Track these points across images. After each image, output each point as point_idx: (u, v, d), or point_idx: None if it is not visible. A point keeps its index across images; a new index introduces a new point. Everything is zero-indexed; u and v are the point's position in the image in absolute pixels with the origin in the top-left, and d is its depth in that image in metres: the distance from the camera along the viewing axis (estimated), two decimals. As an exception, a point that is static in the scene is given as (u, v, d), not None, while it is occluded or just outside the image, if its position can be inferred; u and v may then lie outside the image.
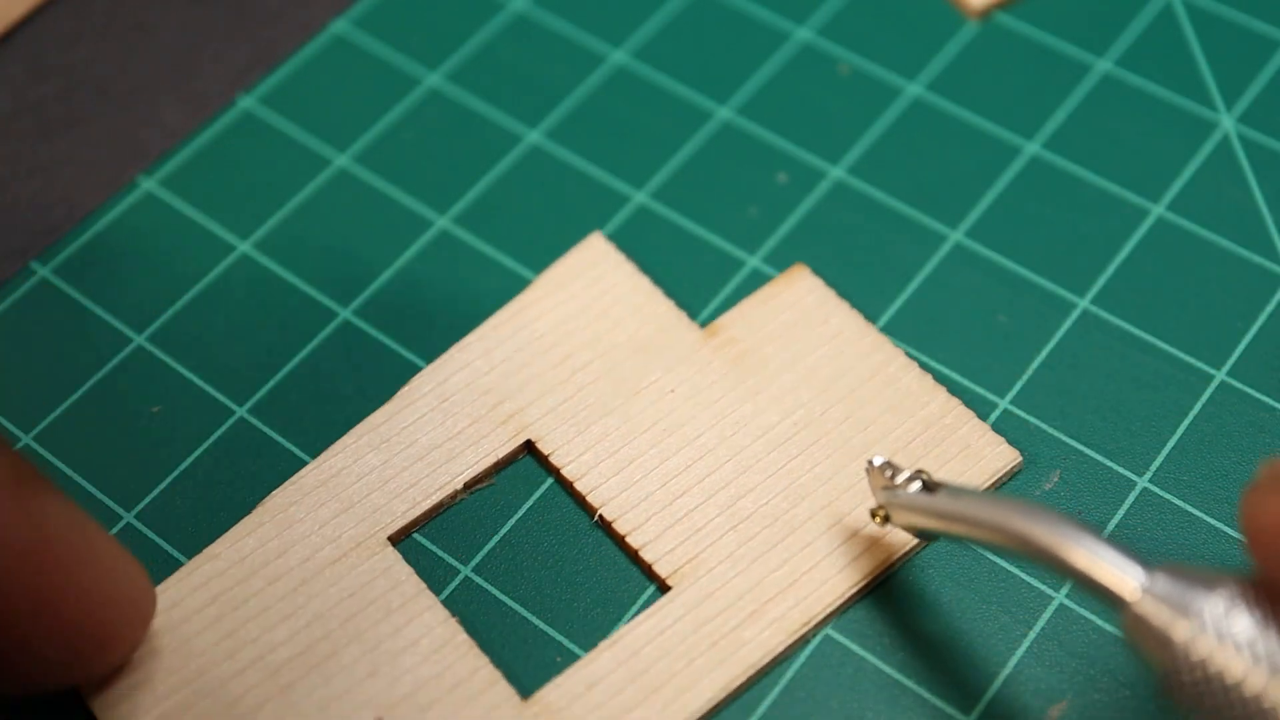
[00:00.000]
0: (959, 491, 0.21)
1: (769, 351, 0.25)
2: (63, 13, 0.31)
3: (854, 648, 0.23)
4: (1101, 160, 0.28)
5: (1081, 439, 0.25)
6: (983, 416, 0.25)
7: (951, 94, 0.29)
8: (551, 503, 0.25)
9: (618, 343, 0.26)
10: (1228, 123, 0.28)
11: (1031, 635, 0.23)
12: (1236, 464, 0.24)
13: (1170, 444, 0.25)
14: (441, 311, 0.27)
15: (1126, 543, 0.24)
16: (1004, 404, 0.25)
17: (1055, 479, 0.24)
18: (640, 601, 0.24)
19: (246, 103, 0.30)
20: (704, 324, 0.26)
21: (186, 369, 0.26)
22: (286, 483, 0.24)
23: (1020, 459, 0.24)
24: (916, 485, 0.22)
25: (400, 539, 0.24)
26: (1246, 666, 0.17)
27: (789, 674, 0.23)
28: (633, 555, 0.24)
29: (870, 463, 0.22)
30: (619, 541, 0.24)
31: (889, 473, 0.22)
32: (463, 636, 0.23)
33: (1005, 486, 0.24)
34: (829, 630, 0.23)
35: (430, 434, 0.25)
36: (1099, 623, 0.23)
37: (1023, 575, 0.24)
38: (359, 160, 0.29)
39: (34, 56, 0.30)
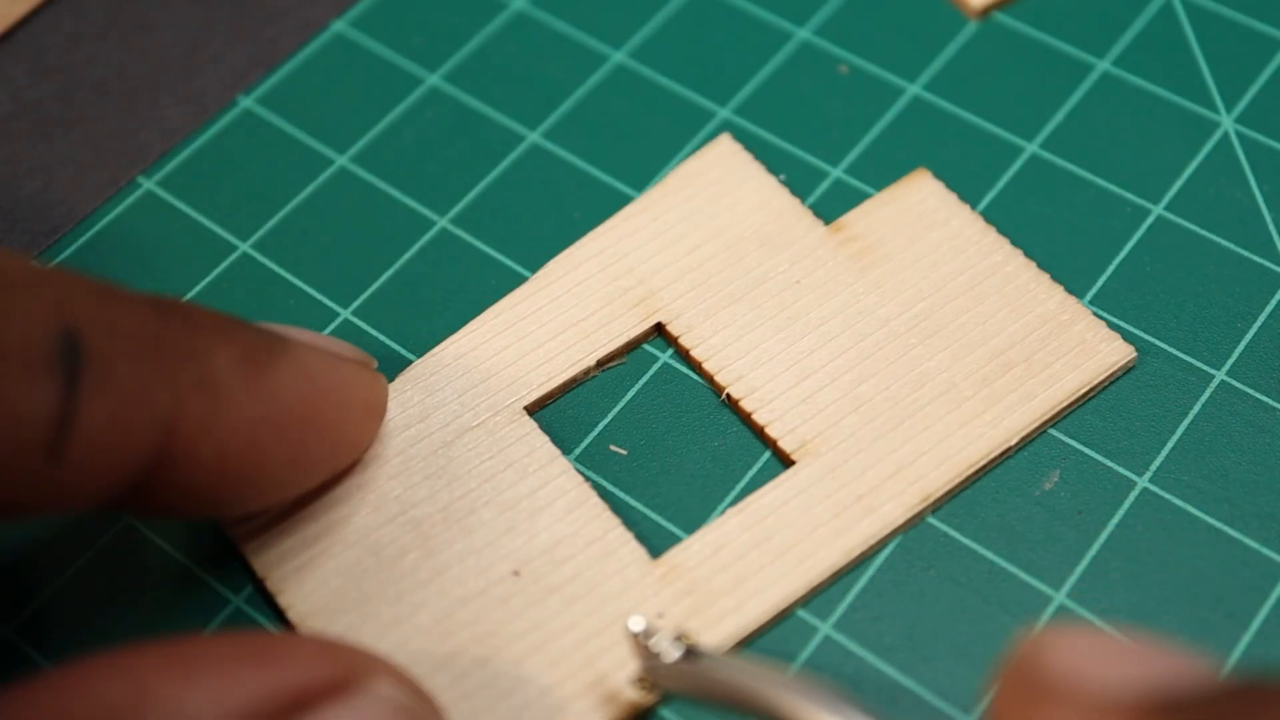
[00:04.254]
0: (724, 661, 0.21)
1: (890, 248, 0.26)
2: (63, 13, 0.31)
3: (854, 648, 0.23)
4: (1101, 160, 0.28)
5: (1081, 439, 0.25)
6: (983, 416, 0.25)
7: (951, 94, 0.29)
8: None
9: (745, 235, 0.27)
10: (1228, 123, 0.28)
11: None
12: (1236, 464, 0.25)
13: (1170, 444, 0.25)
14: (441, 312, 0.27)
15: (1124, 548, 0.24)
16: (1004, 404, 0.25)
17: (1055, 479, 0.25)
18: (766, 476, 0.24)
19: (246, 103, 0.30)
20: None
21: (186, 369, 0.26)
22: (427, 354, 0.25)
23: (1135, 354, 0.25)
24: (677, 652, 0.21)
25: (536, 410, 0.25)
26: None
27: (790, 672, 0.23)
28: (759, 432, 0.25)
29: (627, 628, 0.21)
30: (745, 419, 0.25)
31: (647, 639, 0.21)
32: (595, 499, 0.24)
33: (1120, 382, 0.25)
34: (829, 629, 0.23)
35: (564, 314, 0.26)
36: (1099, 623, 0.23)
37: (1023, 575, 0.24)
38: (359, 160, 0.29)
39: (34, 56, 0.30)
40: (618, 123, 0.29)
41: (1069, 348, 0.25)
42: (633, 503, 0.24)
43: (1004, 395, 0.25)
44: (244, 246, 0.28)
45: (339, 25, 0.31)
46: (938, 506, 0.24)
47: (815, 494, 0.24)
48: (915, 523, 0.24)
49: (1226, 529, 0.24)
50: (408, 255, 0.28)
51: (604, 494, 0.24)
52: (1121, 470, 0.25)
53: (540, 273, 0.26)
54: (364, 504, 0.24)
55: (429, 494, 0.24)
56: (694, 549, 0.23)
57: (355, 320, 0.27)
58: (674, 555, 0.23)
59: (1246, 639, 0.23)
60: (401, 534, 0.23)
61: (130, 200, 0.28)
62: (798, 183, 0.28)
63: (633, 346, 0.26)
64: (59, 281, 0.19)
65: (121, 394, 0.19)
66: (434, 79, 0.30)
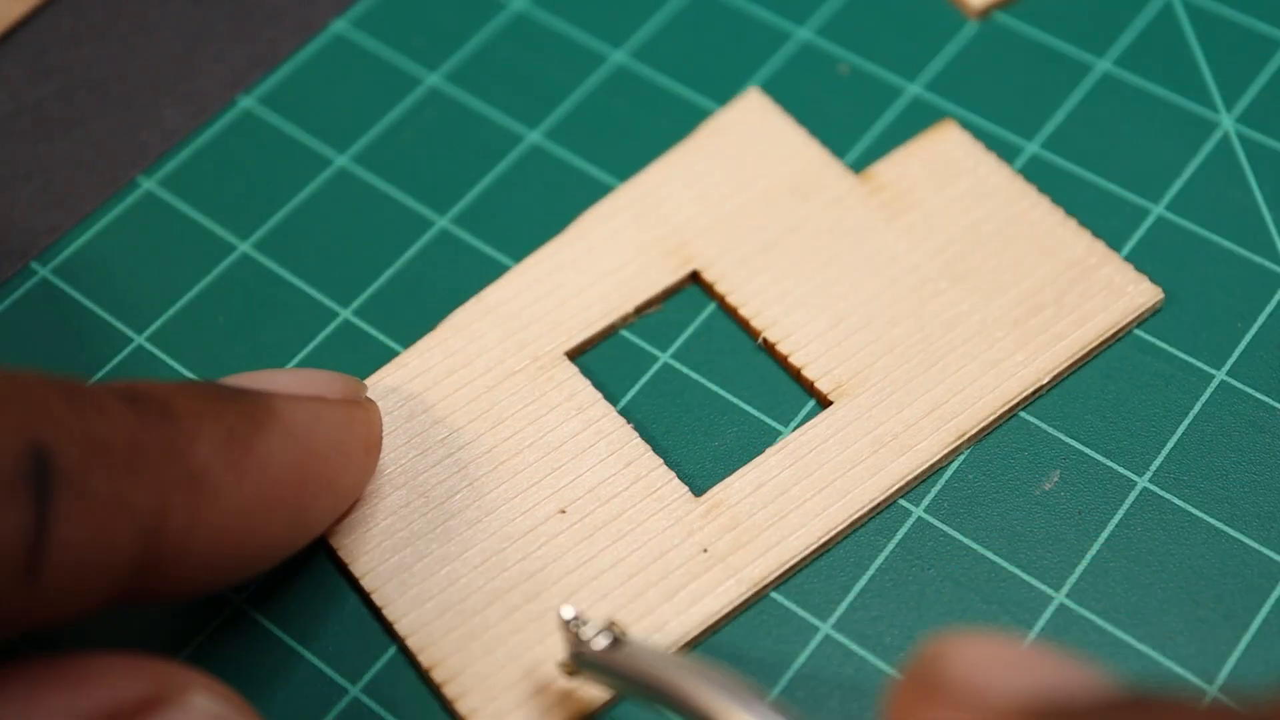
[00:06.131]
0: (643, 650, 0.21)
1: (919, 196, 0.27)
2: (63, 13, 0.31)
3: (854, 647, 0.23)
4: (1101, 160, 0.28)
5: (1081, 439, 0.25)
6: (983, 416, 0.25)
7: (951, 94, 0.29)
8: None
9: (776, 186, 0.27)
10: (1228, 123, 0.28)
11: (1031, 635, 0.23)
12: (1236, 464, 0.25)
13: (1170, 444, 0.25)
14: (441, 311, 0.27)
15: (1124, 548, 0.24)
16: (1004, 404, 0.25)
17: (1055, 479, 0.25)
18: (804, 417, 0.25)
19: (246, 103, 0.30)
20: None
21: (187, 369, 0.26)
22: (468, 302, 0.26)
23: (1162, 296, 0.26)
24: (604, 640, 0.21)
25: (577, 355, 0.26)
26: None
27: (790, 672, 0.23)
28: (795, 374, 0.26)
29: (559, 616, 0.21)
30: (782, 362, 0.26)
31: (576, 627, 0.21)
32: (638, 440, 0.25)
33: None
34: (829, 629, 0.23)
35: (601, 263, 0.27)
36: (1099, 623, 0.23)
37: (1023, 575, 0.24)
38: (359, 160, 0.29)
39: (34, 56, 0.30)
40: (618, 123, 0.29)
41: (1097, 289, 0.26)
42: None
43: (1035, 336, 0.25)
44: (244, 246, 0.28)
45: (339, 25, 0.31)
46: (967, 447, 0.25)
47: (853, 432, 0.25)
48: (950, 460, 0.25)
49: (1226, 529, 0.24)
50: (408, 255, 0.28)
51: (645, 437, 0.25)
52: (1121, 470, 0.25)
53: (575, 224, 0.27)
54: (411, 447, 0.25)
55: (474, 437, 0.25)
56: (736, 486, 0.24)
57: (355, 320, 0.27)
58: (716, 493, 0.24)
59: (1246, 639, 0.23)
60: (448, 475, 0.24)
61: (130, 200, 0.28)
62: (798, 183, 0.28)
63: (669, 294, 0.27)
64: (27, 395, 0.18)
65: (98, 507, 0.18)
66: (434, 79, 0.30)
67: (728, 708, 0.19)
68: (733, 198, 0.27)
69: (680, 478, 0.24)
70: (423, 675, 0.23)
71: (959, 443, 0.24)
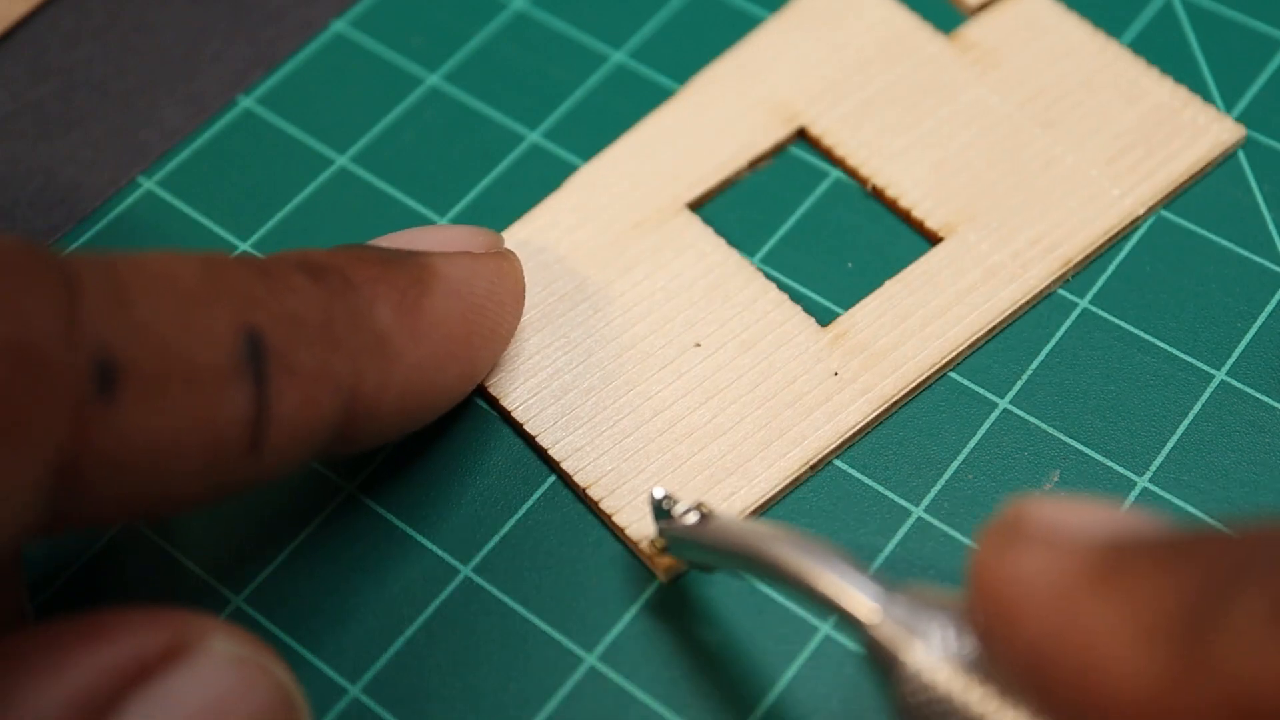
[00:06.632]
0: (728, 521, 0.21)
1: (1006, 54, 0.29)
2: (63, 13, 0.31)
3: (854, 647, 0.23)
4: (1101, 160, 0.28)
5: (1081, 439, 0.25)
6: (980, 416, 0.25)
7: (951, 94, 0.29)
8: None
9: (869, 49, 0.29)
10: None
11: (1031, 635, 0.23)
12: (1236, 464, 0.25)
13: (1170, 444, 0.25)
14: (442, 311, 0.27)
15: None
16: (1003, 404, 0.25)
17: (1055, 479, 0.25)
18: (915, 254, 0.27)
19: (246, 103, 0.30)
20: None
21: (186, 369, 0.26)
22: (589, 162, 0.28)
23: (1245, 133, 0.28)
24: (693, 516, 0.22)
25: (697, 206, 0.28)
26: (970, 683, 0.17)
27: (789, 673, 0.23)
28: (904, 216, 0.27)
29: (651, 495, 0.22)
30: (890, 206, 0.27)
31: (668, 505, 0.22)
32: (762, 279, 0.26)
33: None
34: (828, 630, 0.23)
35: (712, 123, 0.28)
36: (1099, 623, 0.23)
37: (1023, 575, 0.24)
38: (359, 160, 0.29)
39: (34, 56, 0.30)
40: (617, 123, 0.29)
41: (1183, 129, 0.28)
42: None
43: (1128, 173, 0.27)
44: (244, 246, 0.28)
45: (339, 25, 0.31)
46: (1078, 270, 0.26)
47: (964, 263, 0.26)
48: (1054, 289, 0.26)
49: (1227, 529, 0.24)
50: (408, 255, 0.28)
51: (767, 277, 0.27)
52: (1121, 470, 0.25)
53: (680, 93, 0.29)
54: (548, 293, 0.26)
55: (606, 282, 0.26)
56: (859, 315, 0.26)
57: (355, 320, 0.27)
58: (841, 322, 0.26)
59: (1246, 639, 0.23)
60: (585, 317, 0.26)
61: (130, 200, 0.28)
62: (799, 182, 0.28)
63: (778, 149, 0.28)
64: (232, 284, 0.20)
65: (305, 379, 0.20)
66: (434, 79, 0.30)
67: (818, 570, 0.19)
68: (830, 62, 0.29)
69: (805, 310, 0.26)
70: (580, 495, 0.24)
71: (1065, 270, 0.26)
